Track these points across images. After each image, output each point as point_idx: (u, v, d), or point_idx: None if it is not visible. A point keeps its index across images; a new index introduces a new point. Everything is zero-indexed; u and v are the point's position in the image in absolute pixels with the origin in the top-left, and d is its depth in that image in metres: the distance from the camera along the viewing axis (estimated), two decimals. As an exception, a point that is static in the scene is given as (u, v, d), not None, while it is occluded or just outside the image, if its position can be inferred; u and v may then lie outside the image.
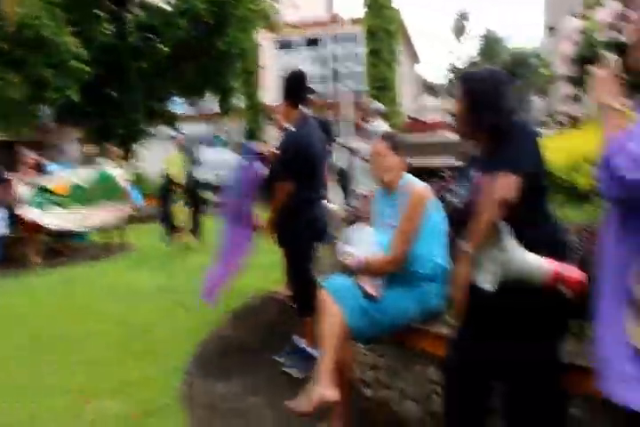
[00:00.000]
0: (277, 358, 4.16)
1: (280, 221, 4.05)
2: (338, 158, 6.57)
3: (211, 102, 19.80)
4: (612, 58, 1.91)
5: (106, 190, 9.49)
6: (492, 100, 2.37)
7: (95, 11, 13.77)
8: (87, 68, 12.37)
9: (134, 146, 16.18)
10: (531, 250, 2.18)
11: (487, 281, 2.22)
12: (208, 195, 8.33)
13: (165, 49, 14.77)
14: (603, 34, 4.82)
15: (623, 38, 4.25)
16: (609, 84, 1.84)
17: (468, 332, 2.49)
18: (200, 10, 14.19)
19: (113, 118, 14.93)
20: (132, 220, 10.42)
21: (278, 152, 4.08)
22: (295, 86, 4.12)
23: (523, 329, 2.30)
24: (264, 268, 6.34)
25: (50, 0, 11.86)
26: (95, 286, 7.05)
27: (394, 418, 3.23)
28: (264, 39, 21.45)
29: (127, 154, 14.47)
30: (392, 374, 3.30)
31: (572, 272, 2.17)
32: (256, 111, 23.43)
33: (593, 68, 1.91)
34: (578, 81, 5.26)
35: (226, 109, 18.16)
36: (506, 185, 2.19)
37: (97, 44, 13.55)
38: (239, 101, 20.16)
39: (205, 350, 4.53)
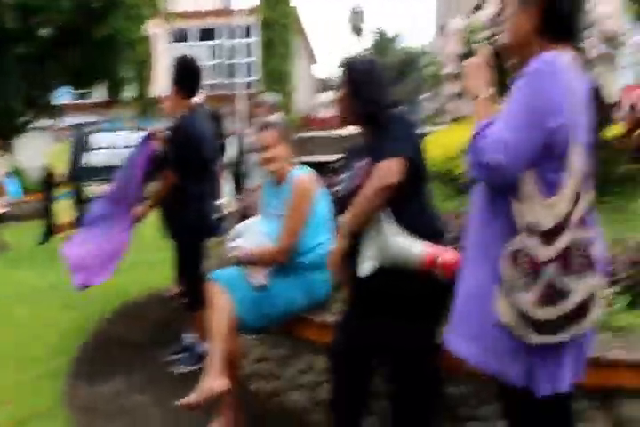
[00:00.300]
0: (166, 356, 4.11)
1: (169, 214, 4.00)
2: (231, 152, 6.55)
3: (101, 92, 19.17)
4: (485, 50, 2.01)
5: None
6: (372, 89, 2.47)
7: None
8: None
9: (13, 137, 15.31)
10: (407, 231, 2.28)
11: (365, 265, 2.32)
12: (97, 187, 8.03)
13: (45, 32, 14.02)
14: (482, 33, 5.11)
15: (499, 38, 4.53)
16: (480, 74, 1.93)
17: (351, 315, 2.60)
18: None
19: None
20: (10, 216, 9.92)
21: (166, 141, 3.99)
22: (185, 74, 4.00)
23: (400, 312, 2.41)
24: (151, 265, 6.30)
25: None
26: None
27: (283, 409, 3.28)
28: (157, 29, 20.93)
29: (4, 146, 13.63)
30: (281, 365, 3.35)
31: (448, 256, 2.27)
32: (147, 102, 22.84)
33: (467, 60, 2.00)
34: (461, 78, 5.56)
35: (116, 99, 17.58)
36: (387, 170, 2.26)
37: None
38: (131, 92, 19.57)
39: (89, 349, 4.41)
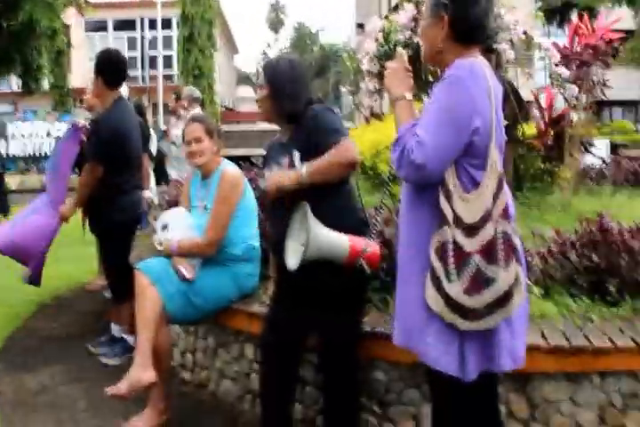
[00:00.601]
0: (92, 348, 4.06)
1: (94, 208, 3.93)
2: (153, 145, 6.45)
3: (18, 81, 18.45)
4: (404, 53, 2.11)
5: None
6: (292, 88, 2.54)
7: None
8: None
9: None
10: (332, 227, 2.34)
11: (292, 259, 2.37)
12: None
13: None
14: (400, 34, 5.27)
15: (417, 39, 4.68)
16: (401, 77, 2.03)
17: (279, 307, 2.68)
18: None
19: None
20: None
21: (91, 133, 3.93)
22: (111, 66, 3.93)
23: (328, 305, 2.51)
24: (77, 259, 6.16)
25: None
26: None
27: (213, 399, 3.30)
28: (73, 19, 20.26)
29: None
30: (211, 356, 3.36)
31: (372, 248, 2.35)
32: (64, 92, 22.10)
33: (388, 63, 2.09)
34: (380, 77, 5.70)
35: (30, 89, 16.91)
36: (349, 147, 2.39)
37: None
38: (46, 82, 18.88)
39: (13, 344, 4.31)
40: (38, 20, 14.42)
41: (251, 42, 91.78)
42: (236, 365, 3.19)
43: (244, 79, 46.40)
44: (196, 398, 3.36)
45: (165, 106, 13.05)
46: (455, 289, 1.81)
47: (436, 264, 1.83)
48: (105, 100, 3.94)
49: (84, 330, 4.49)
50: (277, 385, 2.67)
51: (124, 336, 3.96)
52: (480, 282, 1.81)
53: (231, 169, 3.18)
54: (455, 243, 1.81)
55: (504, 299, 1.83)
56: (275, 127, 2.74)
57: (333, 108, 2.66)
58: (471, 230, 1.81)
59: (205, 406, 3.27)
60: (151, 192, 5.11)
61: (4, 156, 6.77)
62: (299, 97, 2.54)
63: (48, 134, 6.75)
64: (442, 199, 1.84)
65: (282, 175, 2.41)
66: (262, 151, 2.90)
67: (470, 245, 1.81)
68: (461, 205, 1.82)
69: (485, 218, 1.82)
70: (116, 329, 4.06)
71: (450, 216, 1.82)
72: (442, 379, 1.93)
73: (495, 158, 1.86)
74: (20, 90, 18.23)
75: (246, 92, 38.63)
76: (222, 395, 3.27)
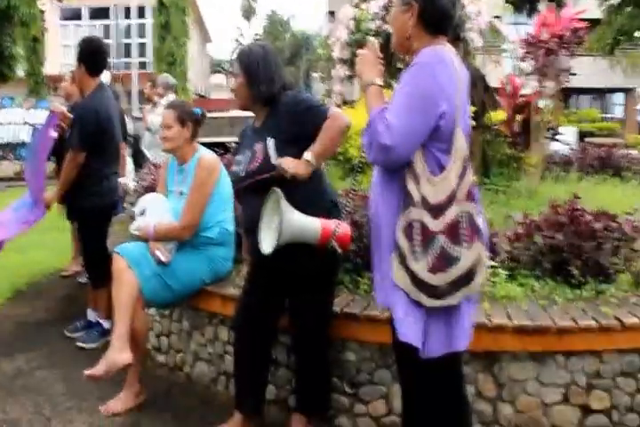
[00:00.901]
0: (69, 333, 4.08)
1: (72, 194, 3.92)
2: (129, 130, 6.44)
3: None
4: (374, 42, 2.17)
5: None
6: (266, 73, 2.58)
7: None
8: None
9: None
10: (304, 210, 2.40)
11: (265, 243, 2.43)
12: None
13: None
14: (371, 23, 5.36)
15: (387, 27, 4.75)
16: (372, 64, 2.09)
17: (252, 289, 2.74)
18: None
19: None
20: None
21: (73, 119, 3.92)
22: (94, 54, 3.95)
23: (301, 287, 2.59)
24: (52, 245, 6.13)
25: None
26: None
27: (188, 381, 3.36)
28: (47, 7, 19.91)
29: None
30: (185, 339, 3.41)
31: (342, 228, 2.41)
32: (39, 80, 21.76)
33: (360, 51, 2.15)
34: (351, 64, 5.79)
35: (4, 76, 16.63)
36: (340, 114, 2.53)
37: None
38: (21, 69, 18.59)
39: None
40: (17, 7, 14.19)
41: (224, 30, 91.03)
42: (210, 347, 3.25)
43: (216, 67, 46.05)
44: (171, 380, 3.41)
45: (140, 93, 12.95)
46: (420, 267, 1.89)
47: (403, 243, 1.91)
48: (86, 87, 3.96)
49: (60, 315, 4.50)
50: (250, 366, 2.73)
51: (101, 321, 3.99)
52: (444, 261, 1.89)
53: (208, 155, 3.23)
54: (421, 223, 1.89)
55: (467, 277, 1.92)
56: (246, 114, 2.78)
57: (306, 93, 2.72)
58: (436, 211, 1.89)
59: (180, 387, 3.32)
60: (128, 178, 5.12)
61: None
62: (273, 81, 2.58)
63: (25, 122, 6.70)
64: (409, 181, 1.92)
65: (296, 164, 2.43)
66: (234, 138, 2.95)
67: (435, 225, 1.89)
68: (428, 187, 1.90)
69: (450, 199, 1.90)
70: (92, 314, 4.08)
71: (417, 197, 1.90)
72: (409, 356, 2.00)
73: (460, 142, 1.94)
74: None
75: (219, 79, 38.46)
76: (197, 377, 3.33)
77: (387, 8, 5.03)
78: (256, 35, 50.65)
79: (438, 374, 2.07)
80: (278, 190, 2.38)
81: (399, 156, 1.90)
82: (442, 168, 1.93)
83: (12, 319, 4.50)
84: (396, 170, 1.96)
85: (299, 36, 51.82)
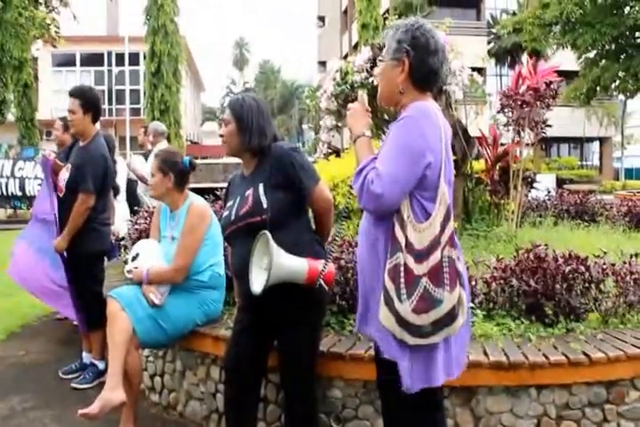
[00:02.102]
0: (64, 375, 4.16)
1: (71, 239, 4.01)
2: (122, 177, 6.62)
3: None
4: (364, 95, 2.34)
5: None
6: (259, 124, 2.73)
7: None
8: None
9: None
10: (291, 252, 2.54)
11: (256, 284, 2.56)
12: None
13: None
14: (357, 75, 5.59)
15: (373, 80, 4.99)
16: (361, 116, 2.26)
17: (242, 330, 2.84)
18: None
19: None
20: None
21: (71, 167, 4.04)
22: (95, 102, 4.15)
23: (290, 326, 2.69)
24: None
25: None
26: None
27: (181, 419, 3.46)
28: (40, 52, 20.36)
29: None
30: (178, 378, 3.52)
31: (328, 267, 2.55)
32: (30, 125, 22.04)
33: (350, 104, 2.32)
34: (338, 114, 6.02)
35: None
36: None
37: None
38: (11, 114, 18.80)
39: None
40: (9, 51, 14.39)
41: (216, 79, 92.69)
42: (203, 386, 3.36)
43: (208, 114, 46.72)
44: (165, 418, 3.51)
45: (133, 139, 13.18)
46: (405, 308, 2.02)
47: (389, 285, 2.04)
48: (87, 134, 4.11)
49: (54, 357, 4.58)
50: (241, 405, 2.82)
51: (95, 362, 4.08)
52: (427, 302, 2.03)
53: (198, 201, 3.40)
54: (406, 266, 2.03)
55: (448, 318, 2.06)
56: (239, 161, 2.92)
57: (296, 144, 2.89)
58: (421, 256, 2.04)
59: (174, 426, 3.41)
60: (121, 224, 5.27)
61: None
62: (265, 133, 2.73)
63: (8, 175, 6.79)
64: (396, 227, 2.07)
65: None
66: (225, 184, 3.10)
67: (419, 268, 2.03)
68: (414, 233, 2.05)
69: (434, 245, 2.05)
70: (87, 356, 4.18)
71: (403, 242, 2.04)
72: (392, 390, 2.14)
73: (444, 191, 2.11)
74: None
75: (211, 126, 39.09)
76: (190, 415, 3.43)
77: (373, 60, 5.26)
78: (246, 83, 51.61)
79: (420, 408, 2.20)
80: (267, 233, 2.51)
81: (388, 203, 2.05)
82: (427, 215, 2.09)
83: (6, 361, 4.56)
84: (384, 216, 2.11)
85: (289, 85, 52.80)
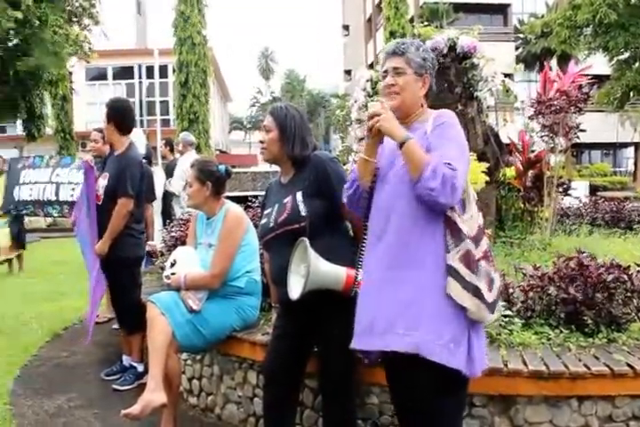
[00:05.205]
0: (105, 376, 4.26)
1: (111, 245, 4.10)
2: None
3: (19, 126, 18.97)
4: (378, 103, 2.24)
5: None
6: (301, 134, 2.78)
7: None
8: None
9: None
10: (328, 259, 2.56)
11: (294, 289, 2.59)
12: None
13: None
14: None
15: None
16: (395, 121, 2.22)
17: (281, 335, 2.87)
18: (7, 28, 13.53)
19: None
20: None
21: (109, 175, 4.14)
22: (125, 114, 4.25)
23: (323, 331, 2.71)
24: (83, 293, 6.34)
25: None
26: None
27: (219, 422, 3.51)
28: (75, 67, 20.84)
29: None
30: (216, 382, 3.57)
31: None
32: (67, 137, 22.59)
33: (376, 110, 2.21)
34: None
35: (33, 134, 17.29)
36: None
37: None
38: (50, 127, 19.30)
39: (29, 371, 4.52)
40: (46, 68, 14.82)
41: (242, 89, 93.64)
42: (240, 390, 3.40)
43: (234, 123, 47.19)
44: (203, 421, 3.56)
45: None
46: (482, 288, 2.14)
47: (464, 271, 2.13)
48: (118, 145, 4.22)
49: (95, 359, 4.74)
50: (279, 409, 2.85)
51: (135, 364, 4.17)
52: (489, 281, 2.17)
53: (234, 208, 3.45)
54: (471, 252, 2.15)
55: (499, 296, 2.24)
56: (268, 169, 2.94)
57: (332, 155, 2.92)
58: (476, 242, 2.17)
59: (211, 427, 3.46)
60: (156, 239, 5.38)
61: (17, 199, 7.18)
62: (306, 142, 2.78)
63: (50, 181, 7.11)
64: (457, 219, 2.16)
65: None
66: (256, 192, 3.12)
67: (477, 253, 2.16)
68: (464, 223, 2.17)
69: (480, 231, 2.20)
70: (127, 359, 4.26)
71: (465, 231, 2.15)
72: (438, 381, 2.13)
73: (469, 184, 2.25)
74: (20, 133, 18.70)
75: (238, 136, 39.56)
76: (227, 418, 3.48)
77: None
78: (272, 92, 52.05)
79: (465, 394, 2.29)
80: (306, 240, 2.54)
81: (459, 197, 2.15)
82: (464, 207, 2.21)
83: (52, 361, 4.72)
84: (431, 214, 2.17)
85: (314, 94, 53.13)
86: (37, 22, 14.39)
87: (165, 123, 25.15)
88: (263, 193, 3.16)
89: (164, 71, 26.62)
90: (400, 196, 2.22)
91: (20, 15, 13.60)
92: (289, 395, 2.86)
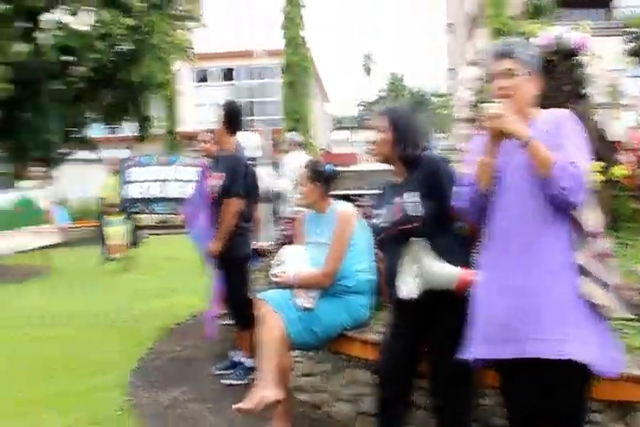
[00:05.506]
0: (217, 371, 4.42)
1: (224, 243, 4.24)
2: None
3: (129, 127, 19.92)
4: (502, 101, 2.23)
5: (24, 213, 9.63)
6: (414, 135, 2.79)
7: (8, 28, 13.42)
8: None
9: (51, 168, 15.81)
10: (442, 258, 2.57)
11: (409, 289, 2.61)
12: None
13: (82, 69, 14.58)
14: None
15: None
16: (516, 120, 2.18)
17: (395, 335, 2.89)
18: (118, 34, 14.28)
19: (28, 140, 14.60)
20: (59, 242, 10.42)
21: (221, 175, 4.27)
22: (234, 116, 4.41)
23: (438, 331, 2.70)
24: (193, 290, 6.61)
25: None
26: (15, 308, 7.08)
27: (328, 419, 3.57)
28: (182, 69, 21.75)
29: (46, 176, 14.23)
30: (326, 379, 3.64)
31: (476, 276, 2.50)
32: (176, 138, 23.68)
33: (498, 111, 2.20)
34: (474, 122, 5.97)
35: (144, 135, 18.21)
36: None
37: (10, 61, 13.22)
38: (158, 128, 20.24)
39: (146, 364, 4.74)
40: (154, 73, 15.57)
41: (340, 89, 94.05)
42: (350, 388, 3.45)
43: (337, 123, 47.82)
44: (313, 417, 3.63)
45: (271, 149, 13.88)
46: (611, 284, 2.14)
47: (596, 268, 2.14)
48: (226, 145, 4.40)
49: (206, 354, 4.92)
50: (392, 409, 2.86)
51: (244, 360, 4.31)
52: (613, 278, 2.17)
53: (345, 207, 3.50)
54: (599, 248, 2.16)
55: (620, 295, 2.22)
56: (373, 168, 2.94)
57: (443, 156, 2.93)
58: (599, 239, 2.18)
59: (321, 425, 3.53)
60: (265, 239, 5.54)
61: (129, 197, 7.65)
62: (418, 145, 2.79)
63: (158, 179, 7.52)
64: (582, 218, 2.17)
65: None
66: (359, 191, 3.14)
67: (601, 250, 2.17)
68: (588, 221, 2.18)
69: (602, 229, 2.20)
70: (236, 354, 4.41)
71: (589, 229, 2.16)
72: (576, 383, 2.15)
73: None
74: (130, 135, 19.71)
75: (340, 135, 40.14)
76: (336, 416, 3.54)
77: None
78: (379, 91, 52.23)
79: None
80: (419, 240, 2.58)
81: (583, 195, 2.15)
82: (585, 206, 2.20)
83: (166, 355, 4.95)
84: (559, 213, 2.18)
85: (415, 93, 52.91)
86: (147, 28, 15.06)
87: (271, 123, 25.77)
88: (365, 191, 3.18)
89: (268, 72, 27.37)
90: (523, 196, 2.21)
91: (131, 22, 14.30)
92: (402, 395, 2.87)
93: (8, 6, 12.56)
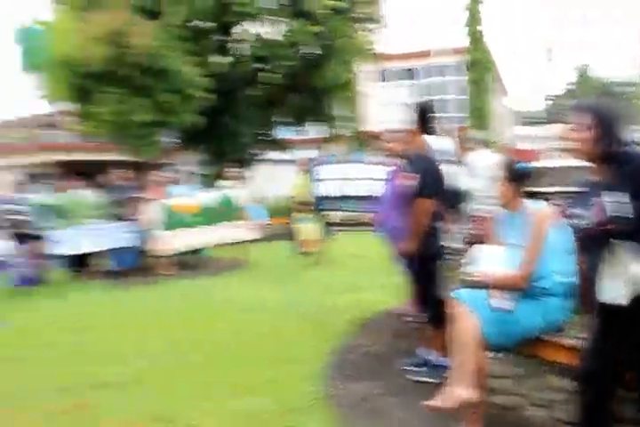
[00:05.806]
0: (406, 367, 4.47)
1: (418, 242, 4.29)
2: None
3: (316, 129, 20.77)
4: None
5: (226, 211, 10.45)
6: (618, 131, 2.67)
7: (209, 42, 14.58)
8: (205, 95, 13.42)
9: (246, 169, 16.96)
10: None
11: (617, 296, 2.51)
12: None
13: (275, 76, 15.46)
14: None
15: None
16: None
17: (601, 341, 2.75)
18: (307, 42, 14.96)
19: (227, 143, 15.82)
20: (257, 238, 11.10)
21: (413, 175, 4.31)
22: (425, 116, 4.46)
23: None
24: (382, 287, 6.85)
25: (174, 34, 12.99)
26: (219, 298, 7.62)
27: (520, 422, 3.50)
28: (366, 70, 22.23)
29: (240, 176, 15.43)
30: (518, 382, 3.58)
31: None
32: (362, 137, 24.23)
33: None
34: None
35: (329, 136, 18.92)
36: None
37: (213, 73, 14.36)
38: (344, 128, 20.87)
39: (339, 357, 4.90)
40: (339, 75, 16.15)
41: (517, 82, 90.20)
42: (544, 393, 3.37)
43: (521, 118, 46.12)
44: (505, 420, 3.55)
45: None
46: None
47: None
48: (415, 145, 4.45)
49: (394, 349, 4.99)
50: (598, 418, 2.74)
51: (437, 359, 4.31)
52: None
53: (540, 207, 3.42)
54: None
55: None
56: (566, 164, 2.79)
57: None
58: None
59: (512, 427, 3.47)
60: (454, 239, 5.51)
61: (319, 195, 8.02)
62: (620, 140, 2.67)
63: (344, 177, 7.83)
64: None
65: None
66: (551, 188, 3.01)
67: None
68: None
69: None
70: (427, 352, 4.44)
71: None
72: None
73: None
74: (316, 136, 20.50)
75: (525, 131, 38.49)
76: (529, 420, 3.46)
77: None
78: (568, 84, 49.68)
79: None
80: (627, 242, 2.47)
81: None
82: None
83: (359, 349, 5.09)
84: None
85: (606, 84, 49.66)
86: (332, 34, 15.64)
87: (451, 121, 25.54)
88: (557, 189, 3.07)
89: (447, 70, 27.15)
90: None
91: (317, 29, 14.91)
92: (605, 403, 2.75)
93: (211, 23, 13.72)
